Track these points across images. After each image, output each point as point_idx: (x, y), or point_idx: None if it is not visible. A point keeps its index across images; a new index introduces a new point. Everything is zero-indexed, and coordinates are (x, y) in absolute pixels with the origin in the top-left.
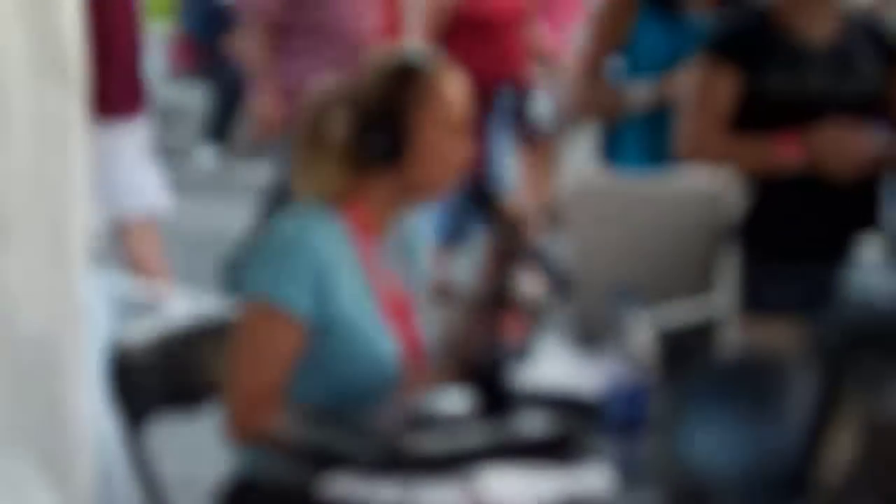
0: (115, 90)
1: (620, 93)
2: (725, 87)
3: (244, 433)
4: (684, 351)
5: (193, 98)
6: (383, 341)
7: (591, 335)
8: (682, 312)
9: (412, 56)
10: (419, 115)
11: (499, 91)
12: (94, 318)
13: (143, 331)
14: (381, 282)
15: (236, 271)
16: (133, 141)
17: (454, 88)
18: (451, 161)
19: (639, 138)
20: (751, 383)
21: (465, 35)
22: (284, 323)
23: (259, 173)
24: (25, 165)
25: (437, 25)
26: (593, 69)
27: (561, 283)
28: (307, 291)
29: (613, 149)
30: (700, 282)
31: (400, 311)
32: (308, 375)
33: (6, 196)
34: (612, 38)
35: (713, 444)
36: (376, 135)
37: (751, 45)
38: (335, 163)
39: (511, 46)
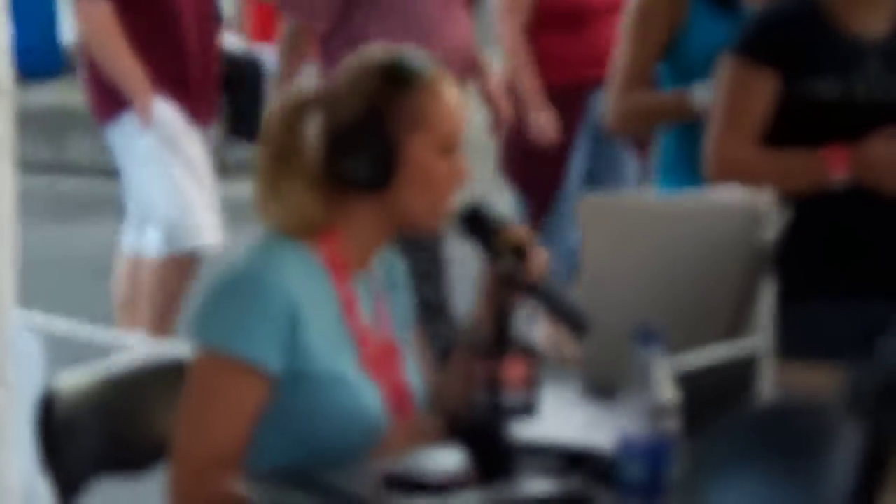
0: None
1: (688, 98)
2: (762, 95)
3: (193, 502)
4: (713, 401)
5: None
6: (364, 394)
7: (603, 382)
8: (711, 356)
9: (400, 58)
10: (407, 133)
11: (592, 93)
12: (24, 366)
13: (78, 379)
14: (363, 325)
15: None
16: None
17: (449, 100)
18: (445, 187)
19: (686, 152)
20: (786, 438)
21: (552, 30)
22: (246, 376)
23: None
24: None
25: (520, 19)
26: (643, 77)
27: (575, 324)
28: (275, 340)
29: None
30: (733, 319)
31: (385, 358)
32: (273, 433)
33: None
34: (659, 39)
35: None
36: (355, 156)
37: (793, 44)
38: (307, 186)
39: (605, 42)
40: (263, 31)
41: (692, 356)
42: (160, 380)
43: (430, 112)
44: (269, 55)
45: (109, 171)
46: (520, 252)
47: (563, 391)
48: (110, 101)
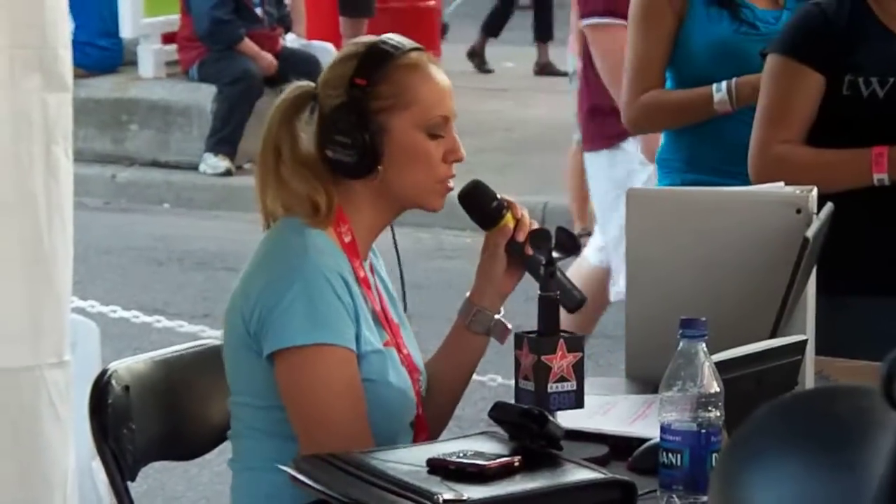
0: None
1: (707, 97)
2: (807, 94)
3: None
4: (756, 396)
5: None
6: (401, 370)
7: (647, 373)
8: (754, 350)
9: (380, 41)
10: (389, 114)
11: None
12: (81, 350)
13: (133, 363)
14: (377, 304)
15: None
16: None
17: (430, 79)
18: (437, 166)
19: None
20: (827, 423)
21: None
22: (344, 358)
23: None
24: (0, 174)
25: None
26: (655, 73)
27: (570, 298)
28: (351, 322)
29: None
30: (777, 314)
31: (395, 335)
32: None
33: None
34: (666, 32)
35: (778, 494)
36: (339, 144)
37: (837, 44)
38: (306, 175)
39: None
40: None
41: (735, 349)
42: (214, 365)
43: (410, 91)
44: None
45: (165, 163)
46: (549, 243)
47: (608, 380)
48: (601, 131)
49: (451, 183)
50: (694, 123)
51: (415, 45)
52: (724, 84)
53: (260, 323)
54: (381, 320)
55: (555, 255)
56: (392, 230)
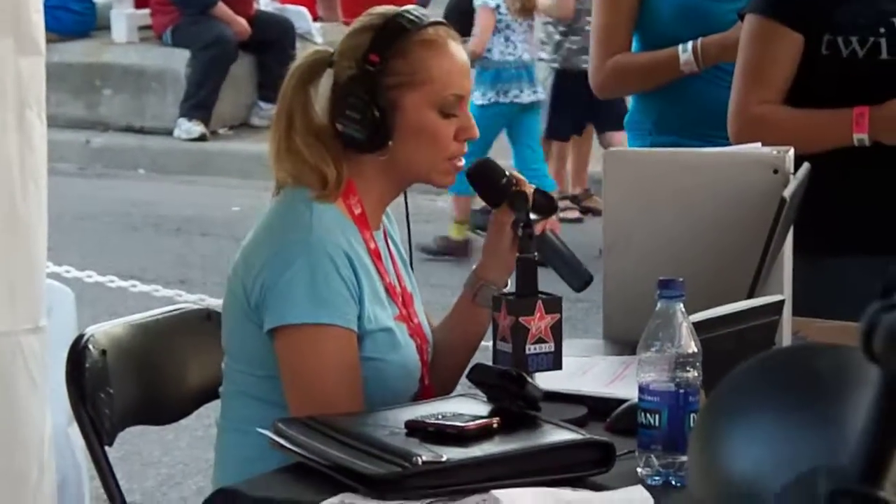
0: None
1: (674, 58)
2: (786, 54)
3: None
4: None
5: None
6: (407, 344)
7: (625, 333)
8: (731, 310)
9: (398, 13)
10: (403, 91)
11: None
12: (56, 316)
13: (109, 328)
14: (388, 275)
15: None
16: None
17: (448, 57)
18: (448, 143)
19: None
20: (804, 379)
21: None
22: (342, 338)
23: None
24: None
25: None
26: (622, 37)
27: (576, 275)
28: (352, 299)
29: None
30: (755, 274)
31: (406, 304)
32: None
33: None
34: (630, 0)
35: (757, 451)
36: (351, 117)
37: (816, 4)
38: (318, 144)
39: None
40: None
41: (713, 310)
42: (190, 330)
43: (425, 69)
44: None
45: (140, 129)
46: (527, 205)
47: (586, 342)
48: None
49: (462, 161)
50: (661, 85)
51: (436, 19)
52: (689, 44)
53: (262, 296)
54: (393, 294)
55: (532, 216)
56: (405, 198)
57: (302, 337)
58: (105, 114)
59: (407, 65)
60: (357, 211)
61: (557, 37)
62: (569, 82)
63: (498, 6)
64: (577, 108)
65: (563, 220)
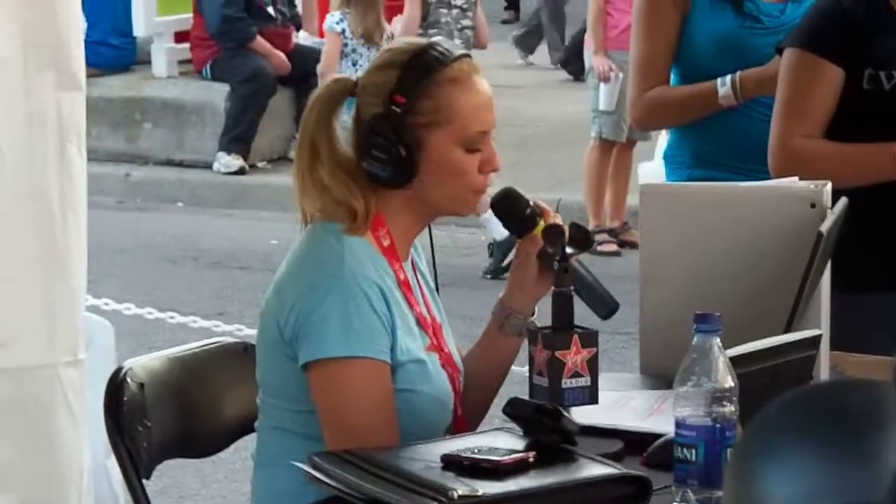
0: None
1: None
2: (826, 88)
3: None
4: (770, 390)
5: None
6: (440, 376)
7: (661, 367)
8: (769, 345)
9: (425, 49)
10: (429, 129)
11: None
12: (96, 348)
13: (148, 361)
14: (418, 306)
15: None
16: None
17: (475, 94)
18: (473, 177)
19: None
20: (841, 415)
21: None
22: (377, 370)
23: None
24: (15, 172)
25: None
26: (660, 69)
27: (604, 304)
28: (385, 333)
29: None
30: (792, 309)
31: (437, 334)
32: None
33: None
34: (670, 28)
35: (792, 486)
36: (376, 154)
37: (855, 38)
38: (343, 177)
39: None
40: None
41: (750, 344)
42: (227, 363)
43: (450, 108)
44: None
45: (179, 162)
46: (563, 238)
47: (622, 376)
48: None
49: (485, 189)
50: (699, 118)
51: (461, 51)
52: (728, 78)
53: (295, 330)
54: (424, 324)
55: (568, 250)
56: (430, 230)
57: (336, 370)
58: (145, 147)
59: (433, 104)
60: (386, 242)
61: None
62: None
63: (343, 31)
64: None
65: (600, 254)
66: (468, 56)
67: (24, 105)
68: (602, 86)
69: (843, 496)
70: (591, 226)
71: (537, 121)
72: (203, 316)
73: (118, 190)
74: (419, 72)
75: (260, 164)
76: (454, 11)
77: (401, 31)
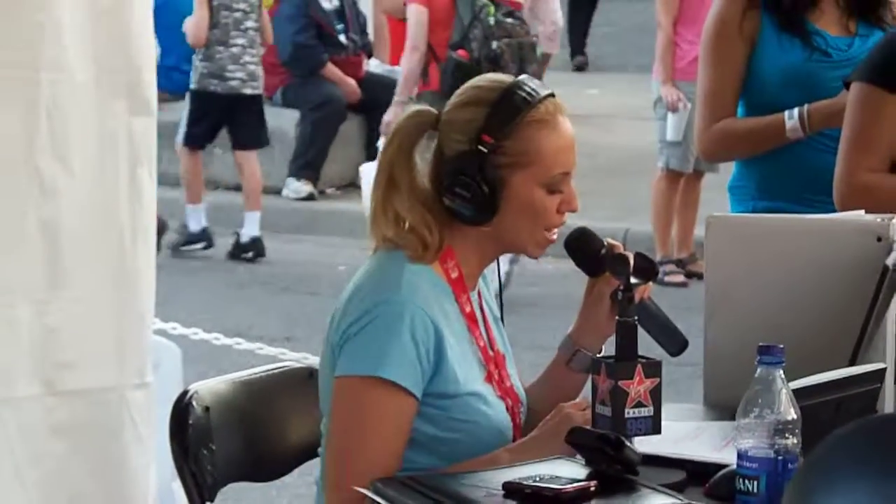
0: None
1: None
2: (892, 122)
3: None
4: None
5: None
6: (497, 410)
7: (725, 399)
8: (833, 378)
9: (511, 89)
10: (513, 170)
11: None
12: (163, 372)
13: (214, 385)
14: (482, 339)
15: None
16: None
17: (559, 136)
18: (551, 218)
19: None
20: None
21: None
22: (397, 397)
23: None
24: (87, 194)
25: None
26: (728, 101)
27: (674, 342)
28: (420, 366)
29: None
30: (858, 342)
31: (500, 368)
32: (416, 452)
33: (66, 227)
34: (739, 59)
35: None
36: (457, 191)
37: None
38: (419, 208)
39: None
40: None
41: (814, 377)
42: (292, 388)
43: (537, 151)
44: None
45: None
46: (627, 269)
47: (686, 407)
48: None
49: (555, 235)
50: (766, 150)
51: (547, 91)
52: (795, 111)
53: (340, 349)
54: (486, 356)
55: (633, 280)
56: (497, 262)
57: (356, 387)
58: (215, 172)
59: (519, 145)
60: (454, 275)
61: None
62: (202, 100)
63: None
64: (211, 120)
65: (667, 284)
66: (552, 96)
67: (96, 129)
68: (670, 116)
69: None
70: (657, 257)
71: (607, 150)
72: (270, 341)
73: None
74: (507, 112)
75: (329, 191)
76: (237, 14)
77: (191, 33)
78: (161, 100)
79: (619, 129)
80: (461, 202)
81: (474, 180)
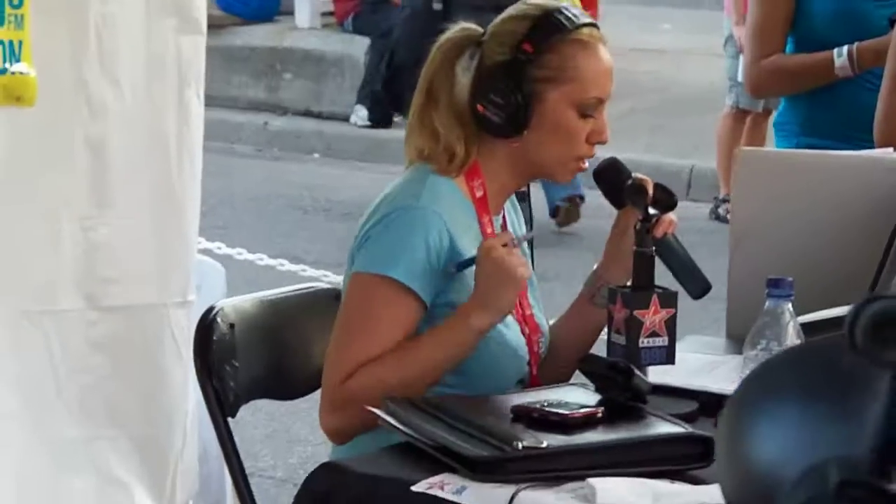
0: None
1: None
2: None
3: (343, 401)
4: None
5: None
6: (512, 328)
7: (745, 329)
8: (843, 311)
9: (556, 7)
10: (548, 85)
11: None
12: (207, 292)
13: (238, 303)
14: None
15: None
16: None
17: (597, 59)
18: (581, 143)
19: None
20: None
21: None
22: (404, 297)
23: None
24: (135, 113)
25: None
26: (777, 38)
27: (695, 281)
28: (432, 273)
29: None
30: (878, 277)
31: (519, 296)
32: None
33: (113, 146)
34: (787, 1)
35: (778, 440)
36: (492, 102)
37: None
38: (452, 122)
39: None
40: None
41: (824, 311)
42: (319, 309)
43: (574, 68)
44: None
45: (318, 113)
46: (646, 198)
47: (707, 339)
48: None
49: (586, 163)
50: (813, 87)
51: (589, 19)
52: (845, 49)
53: (357, 251)
54: None
55: (651, 211)
56: (528, 190)
57: (365, 283)
58: (284, 97)
59: (558, 60)
60: (479, 193)
61: None
62: None
63: None
64: None
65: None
66: (595, 25)
67: (144, 48)
68: (742, 55)
69: (824, 451)
70: (721, 194)
71: (678, 86)
72: (325, 266)
73: (257, 139)
74: (551, 26)
75: (396, 119)
76: None
77: None
78: (233, 24)
79: (690, 65)
80: (494, 110)
81: (509, 88)
